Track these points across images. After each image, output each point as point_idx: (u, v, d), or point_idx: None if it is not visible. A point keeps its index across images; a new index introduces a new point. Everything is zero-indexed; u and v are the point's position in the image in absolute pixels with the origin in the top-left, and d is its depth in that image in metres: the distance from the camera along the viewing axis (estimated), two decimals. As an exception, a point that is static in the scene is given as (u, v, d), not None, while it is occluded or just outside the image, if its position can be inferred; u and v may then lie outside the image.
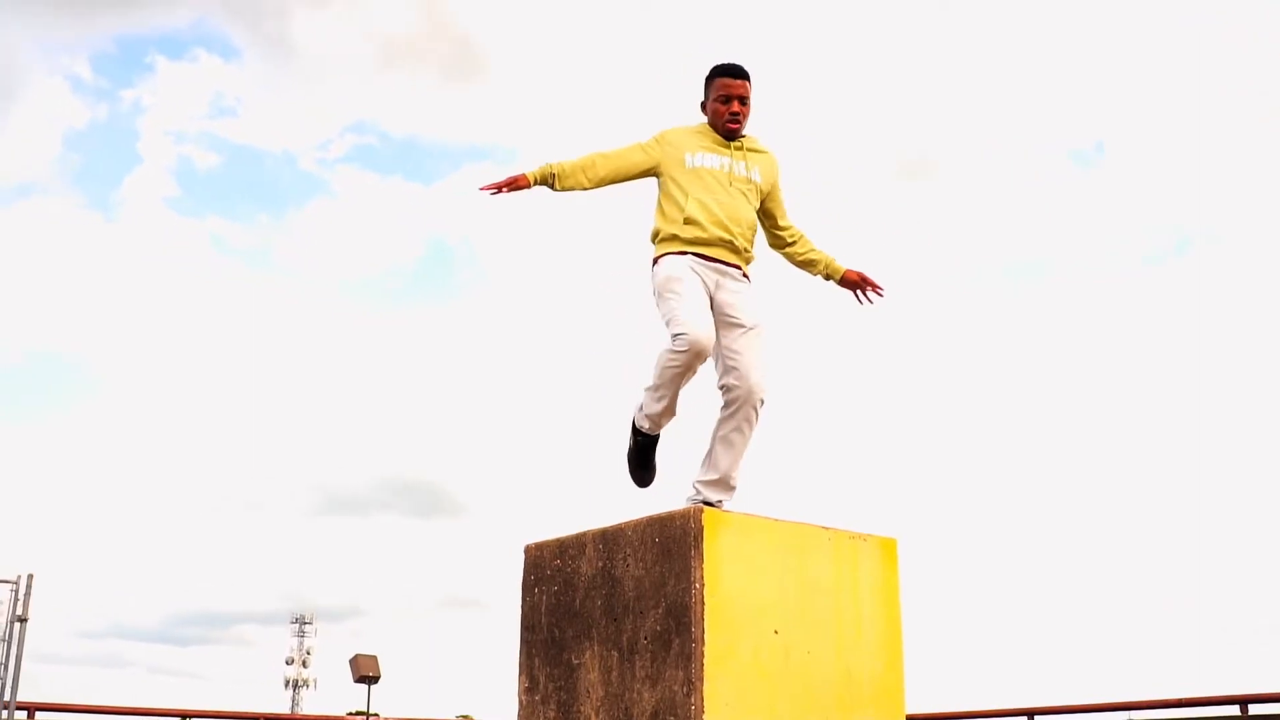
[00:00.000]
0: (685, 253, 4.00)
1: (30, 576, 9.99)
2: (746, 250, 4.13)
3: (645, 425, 4.09)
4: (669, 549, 3.51)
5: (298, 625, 48.26)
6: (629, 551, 3.66)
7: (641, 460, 4.18)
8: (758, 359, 3.99)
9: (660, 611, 3.48)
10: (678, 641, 3.40)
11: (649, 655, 3.49)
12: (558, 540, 3.98)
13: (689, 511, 3.49)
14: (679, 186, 4.06)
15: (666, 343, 3.87)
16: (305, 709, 44.28)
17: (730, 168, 4.11)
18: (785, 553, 3.65)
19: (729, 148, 4.13)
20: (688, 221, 3.99)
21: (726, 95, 4.12)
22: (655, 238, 4.11)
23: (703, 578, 3.41)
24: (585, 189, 4.12)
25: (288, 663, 47.09)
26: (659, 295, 3.99)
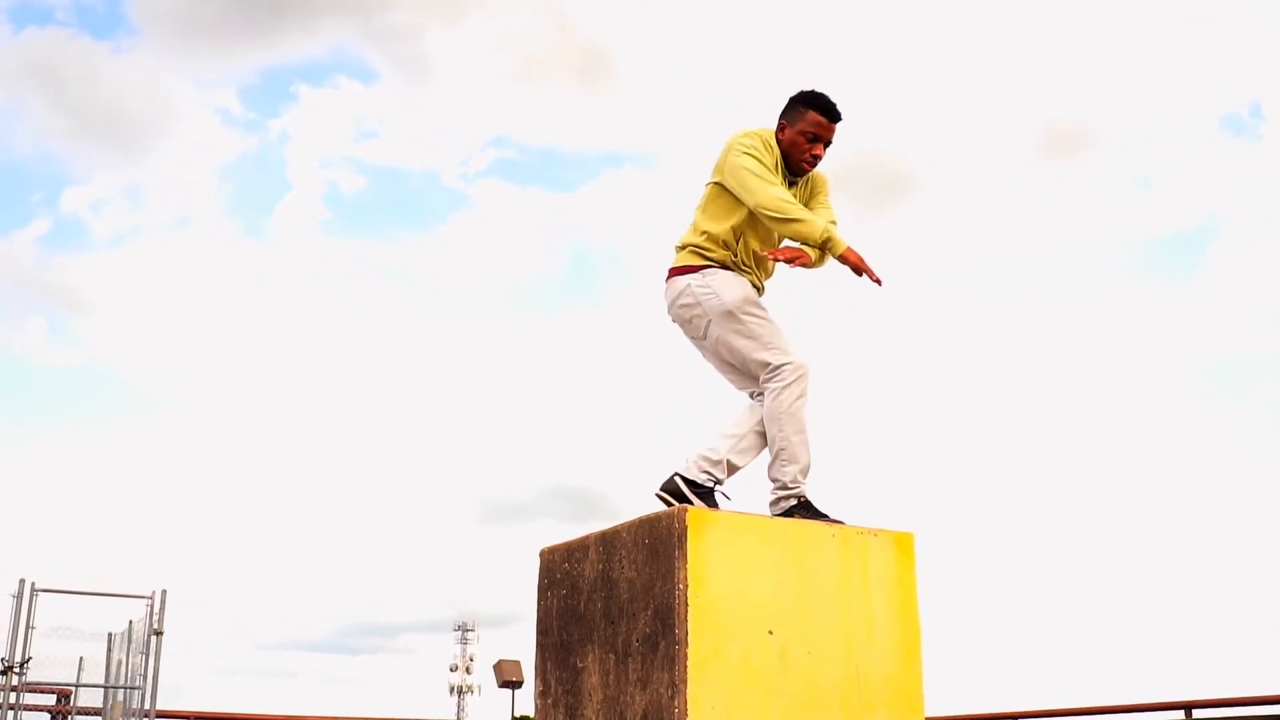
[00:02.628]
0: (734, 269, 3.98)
1: (164, 592, 10.55)
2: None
3: (801, 484, 3.81)
4: (657, 550, 3.46)
5: (461, 632, 49.62)
6: (624, 554, 3.63)
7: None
8: None
9: (649, 614, 3.44)
10: (663, 644, 3.35)
11: (640, 658, 3.45)
12: (566, 544, 3.98)
13: (674, 512, 3.44)
14: (746, 219, 3.90)
15: (779, 379, 3.76)
16: (470, 715, 45.47)
17: None
18: (783, 551, 3.55)
19: (790, 189, 3.95)
20: (747, 258, 3.98)
21: (815, 135, 3.91)
22: (707, 238, 3.95)
23: (686, 578, 3.34)
24: None
25: (452, 669, 48.47)
26: (735, 312, 3.86)
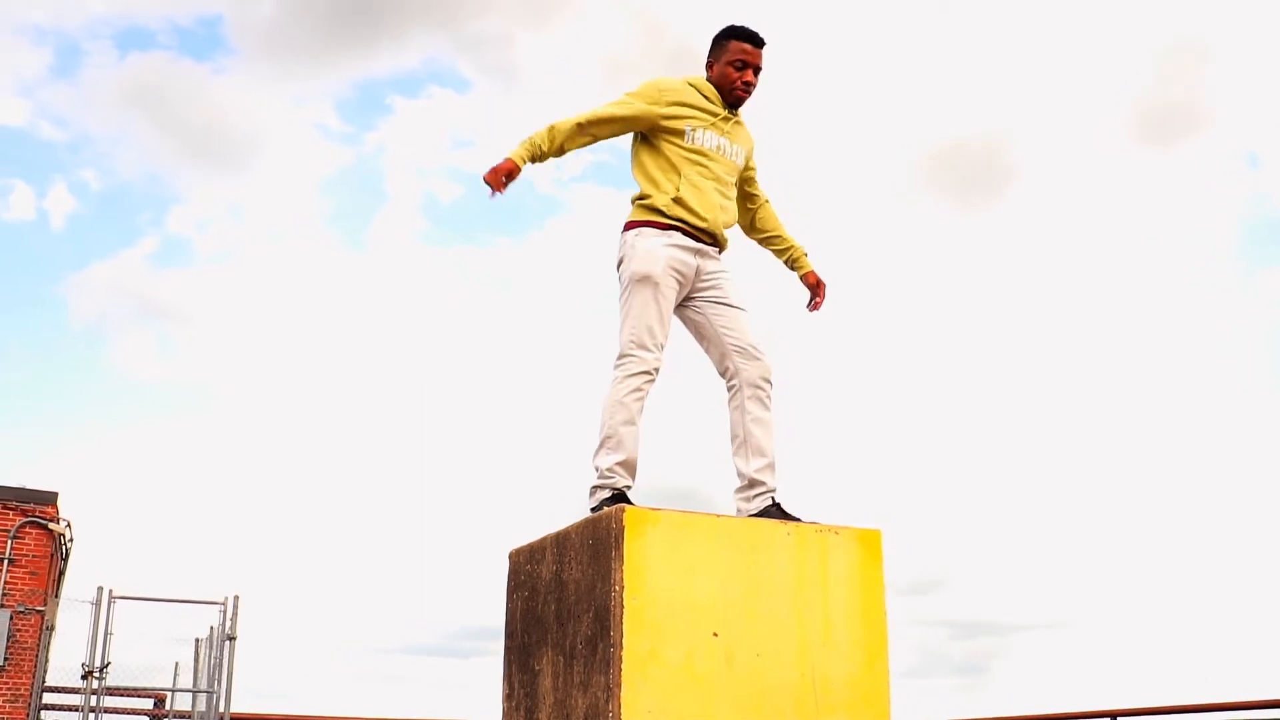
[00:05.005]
0: (670, 227, 3.82)
1: (237, 598, 10.85)
2: (726, 230, 4.00)
3: (621, 477, 3.72)
4: (598, 551, 3.41)
5: (567, 637, 49.85)
6: (572, 555, 3.58)
7: None
8: (760, 336, 3.87)
9: (591, 616, 3.38)
10: (601, 646, 3.29)
11: (582, 660, 3.40)
12: (529, 545, 3.95)
13: (612, 512, 3.38)
14: (671, 162, 3.87)
15: (622, 368, 3.72)
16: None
17: (724, 150, 3.95)
18: (731, 551, 3.46)
19: (726, 123, 3.96)
20: (677, 201, 3.83)
21: (743, 62, 3.93)
22: (639, 200, 3.90)
23: (622, 580, 3.28)
24: (564, 154, 3.91)
25: (559, 673, 48.78)
26: (630, 282, 3.79)
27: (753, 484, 3.78)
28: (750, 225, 4.28)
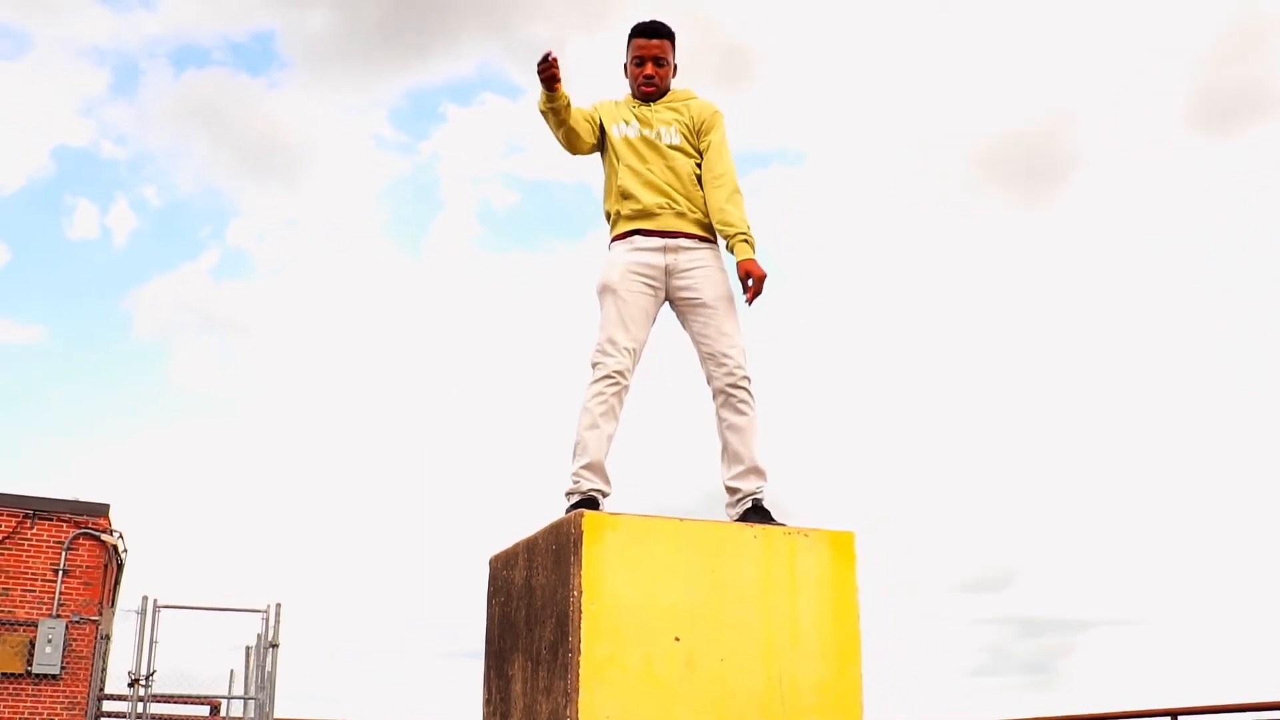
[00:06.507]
0: (630, 233, 3.85)
1: (279, 605, 11.03)
2: (694, 211, 3.88)
3: (587, 480, 3.71)
4: (560, 556, 3.42)
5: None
6: (539, 560, 3.60)
7: None
8: (731, 339, 3.81)
9: (553, 621, 3.40)
10: (561, 651, 3.30)
11: (545, 666, 3.41)
12: (506, 551, 3.98)
13: (572, 517, 3.39)
14: (608, 161, 3.97)
15: (591, 374, 3.80)
16: None
17: (647, 139, 3.93)
18: (694, 554, 3.45)
19: (641, 116, 3.95)
20: (623, 195, 3.87)
21: (640, 57, 3.97)
22: (608, 219, 3.99)
23: (580, 585, 3.29)
24: (558, 127, 3.88)
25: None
26: (598, 295, 3.89)
27: (733, 491, 3.77)
28: None
